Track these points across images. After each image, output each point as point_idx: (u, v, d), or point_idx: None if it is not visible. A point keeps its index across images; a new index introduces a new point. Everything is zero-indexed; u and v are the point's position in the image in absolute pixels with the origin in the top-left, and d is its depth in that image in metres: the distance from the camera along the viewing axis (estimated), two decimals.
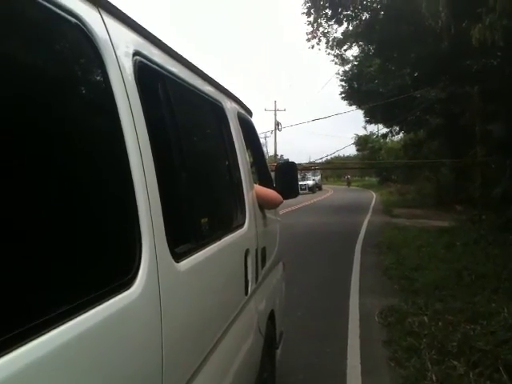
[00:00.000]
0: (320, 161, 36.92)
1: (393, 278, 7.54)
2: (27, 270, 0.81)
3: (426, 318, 5.01)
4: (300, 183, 44.65)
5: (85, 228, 1.01)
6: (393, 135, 30.68)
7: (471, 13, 7.42)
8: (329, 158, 42.52)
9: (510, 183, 11.75)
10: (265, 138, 59.00)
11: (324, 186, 53.85)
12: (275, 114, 46.77)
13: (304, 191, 43.86)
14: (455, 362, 3.96)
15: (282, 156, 45.99)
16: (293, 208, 20.79)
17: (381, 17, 15.06)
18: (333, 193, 45.40)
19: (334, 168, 32.98)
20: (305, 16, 16.13)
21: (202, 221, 1.79)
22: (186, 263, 1.47)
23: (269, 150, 54.55)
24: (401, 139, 34.13)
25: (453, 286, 6.56)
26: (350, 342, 4.86)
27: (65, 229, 0.94)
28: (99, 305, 0.97)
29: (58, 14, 0.99)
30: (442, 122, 20.41)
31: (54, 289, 0.88)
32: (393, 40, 14.77)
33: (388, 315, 5.46)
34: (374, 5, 15.13)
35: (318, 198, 37.16)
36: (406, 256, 9.09)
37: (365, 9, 15.30)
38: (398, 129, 28.24)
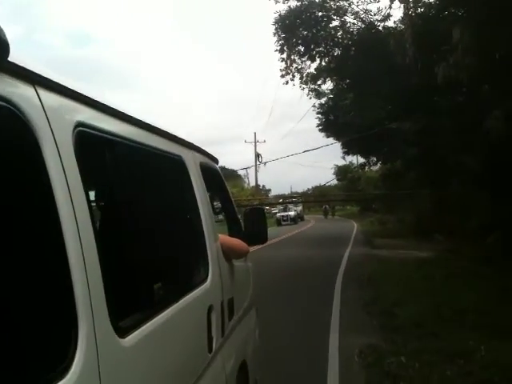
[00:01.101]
0: (302, 191, 37.18)
1: (372, 313, 7.48)
2: None
3: (403, 359, 4.95)
4: (282, 214, 44.86)
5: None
6: (370, 166, 31.12)
7: (437, 50, 7.65)
8: (310, 188, 42.91)
9: (485, 215, 11.91)
10: (246, 170, 59.49)
11: (306, 217, 53.94)
12: (255, 146, 47.23)
13: (286, 222, 43.93)
14: None
15: (263, 186, 46.26)
16: (274, 240, 20.68)
17: (352, 53, 15.48)
18: (314, 223, 45.47)
19: (314, 201, 33.10)
20: (278, 53, 16.52)
21: (155, 286, 1.73)
22: (133, 337, 1.41)
23: (251, 181, 54.78)
24: (379, 168, 34.62)
25: (432, 323, 6.52)
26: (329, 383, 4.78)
27: None
28: None
29: None
30: (418, 152, 20.76)
31: None
32: (365, 75, 15.15)
33: (367, 355, 5.38)
34: (345, 41, 15.57)
35: (299, 228, 37.18)
36: (386, 290, 9.06)
37: (336, 45, 15.75)
38: (375, 159, 28.68)
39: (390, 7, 12.96)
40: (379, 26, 14.56)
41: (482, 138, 9.48)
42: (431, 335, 5.91)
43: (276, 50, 16.59)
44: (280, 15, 15.88)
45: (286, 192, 56.75)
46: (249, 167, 48.86)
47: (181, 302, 1.90)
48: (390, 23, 14.83)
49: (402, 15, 13.46)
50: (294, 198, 37.70)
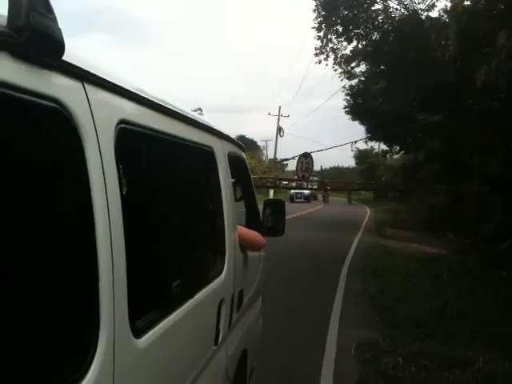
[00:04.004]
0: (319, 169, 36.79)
1: (375, 308, 7.52)
2: None
3: (401, 360, 4.99)
4: (296, 191, 44.84)
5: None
6: (392, 154, 30.70)
7: (479, 50, 7.42)
8: (327, 167, 42.47)
9: (503, 220, 11.76)
10: (266, 142, 59.22)
11: (320, 196, 53.83)
12: (278, 120, 46.89)
13: (299, 199, 44.05)
14: None
15: (281, 160, 46.09)
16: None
17: (391, 39, 15.07)
18: (328, 205, 45.39)
19: (331, 187, 32.54)
20: (315, 31, 16.15)
21: (173, 283, 1.75)
22: (148, 337, 1.44)
23: (269, 154, 54.60)
24: (400, 158, 34.16)
25: (433, 324, 6.55)
26: (323, 374, 4.85)
27: None
28: None
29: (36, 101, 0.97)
30: (442, 147, 20.43)
31: None
32: (400, 63, 14.79)
33: (365, 350, 5.43)
34: (386, 26, 15.15)
35: (312, 208, 37.18)
36: (391, 284, 9.07)
37: (376, 29, 15.33)
38: (398, 148, 28.27)
39: None
40: (422, 15, 14.11)
41: (510, 144, 9.27)
42: (431, 337, 5.94)
43: (313, 28, 16.25)
44: None
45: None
46: (269, 140, 48.60)
47: (195, 297, 1.92)
48: (433, 13, 14.42)
49: (445, 6, 13.06)
50: (315, 176, 37.35)
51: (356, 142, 25.52)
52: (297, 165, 23.47)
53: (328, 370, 4.96)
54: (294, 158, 25.08)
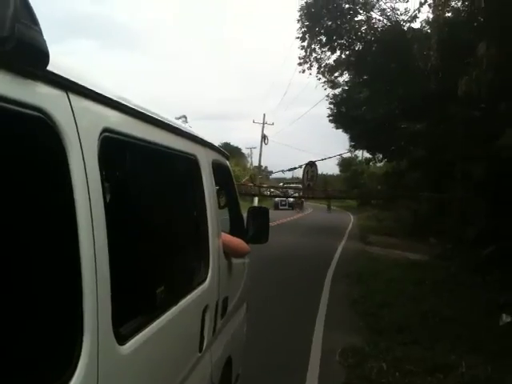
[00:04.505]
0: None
1: (359, 313, 7.58)
2: None
3: (385, 365, 5.03)
4: (281, 199, 44.95)
5: None
6: (376, 162, 30.99)
7: (460, 61, 7.57)
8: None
9: (485, 225, 11.93)
10: (250, 149, 59.31)
11: (304, 204, 54.00)
12: (263, 128, 47.01)
13: (284, 207, 44.19)
14: None
15: (266, 168, 46.23)
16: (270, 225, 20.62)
17: (373, 49, 15.29)
18: (312, 211, 45.58)
19: (314, 196, 32.51)
20: (299, 41, 16.32)
21: (157, 289, 1.76)
22: (131, 344, 1.44)
23: (254, 161, 54.74)
24: (383, 165, 34.47)
25: (416, 329, 6.61)
26: (308, 380, 4.87)
27: None
28: None
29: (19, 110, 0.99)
30: (425, 154, 20.69)
31: None
32: (383, 73, 15.00)
33: (349, 356, 5.47)
34: (368, 37, 15.36)
35: (296, 215, 37.27)
36: (375, 290, 9.14)
37: (359, 39, 15.54)
38: (381, 156, 28.54)
39: (419, 10, 12.81)
40: (404, 26, 14.36)
41: (492, 151, 9.44)
42: (414, 343, 5.99)
43: (297, 38, 16.44)
44: (306, 2, 15.67)
45: (288, 176, 56.64)
46: (254, 147, 48.74)
47: (179, 304, 1.93)
48: (415, 24, 14.68)
49: (427, 17, 13.26)
50: (294, 184, 37.52)
51: (342, 154, 25.76)
52: (303, 174, 23.58)
53: (313, 374, 4.99)
54: (300, 166, 25.32)
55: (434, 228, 18.11)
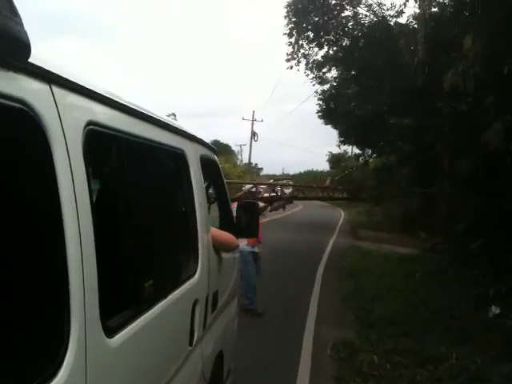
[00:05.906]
0: (294, 173, 36.80)
1: (350, 307, 7.62)
2: None
3: (376, 358, 5.07)
4: (271, 195, 44.91)
5: None
6: (365, 157, 31.12)
7: (446, 55, 7.61)
8: (302, 172, 42.56)
9: (473, 219, 12.04)
10: (240, 146, 59.28)
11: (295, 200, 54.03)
12: (252, 124, 47.01)
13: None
14: None
15: (256, 164, 46.23)
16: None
17: (360, 44, 15.35)
18: (303, 207, 45.61)
19: (306, 186, 32.50)
20: (286, 37, 16.32)
21: (145, 283, 1.75)
22: (120, 337, 1.44)
23: (244, 158, 54.77)
24: (372, 161, 34.62)
25: (407, 321, 6.66)
26: (300, 374, 4.89)
27: None
28: None
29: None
30: (413, 149, 20.82)
31: None
32: (370, 68, 15.06)
33: (341, 349, 5.50)
34: (356, 32, 15.41)
35: (287, 211, 37.28)
36: (366, 284, 9.20)
37: (346, 35, 15.58)
38: (370, 151, 28.69)
39: (405, 5, 12.87)
40: (391, 21, 14.44)
41: (479, 145, 9.52)
42: (405, 335, 6.04)
43: (285, 34, 16.43)
44: None
45: (278, 173, 56.77)
46: (243, 144, 48.75)
47: (169, 298, 1.93)
48: (401, 19, 14.77)
49: (413, 12, 13.35)
50: (286, 179, 37.54)
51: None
52: None
53: (305, 368, 5.01)
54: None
55: (423, 222, 18.24)
